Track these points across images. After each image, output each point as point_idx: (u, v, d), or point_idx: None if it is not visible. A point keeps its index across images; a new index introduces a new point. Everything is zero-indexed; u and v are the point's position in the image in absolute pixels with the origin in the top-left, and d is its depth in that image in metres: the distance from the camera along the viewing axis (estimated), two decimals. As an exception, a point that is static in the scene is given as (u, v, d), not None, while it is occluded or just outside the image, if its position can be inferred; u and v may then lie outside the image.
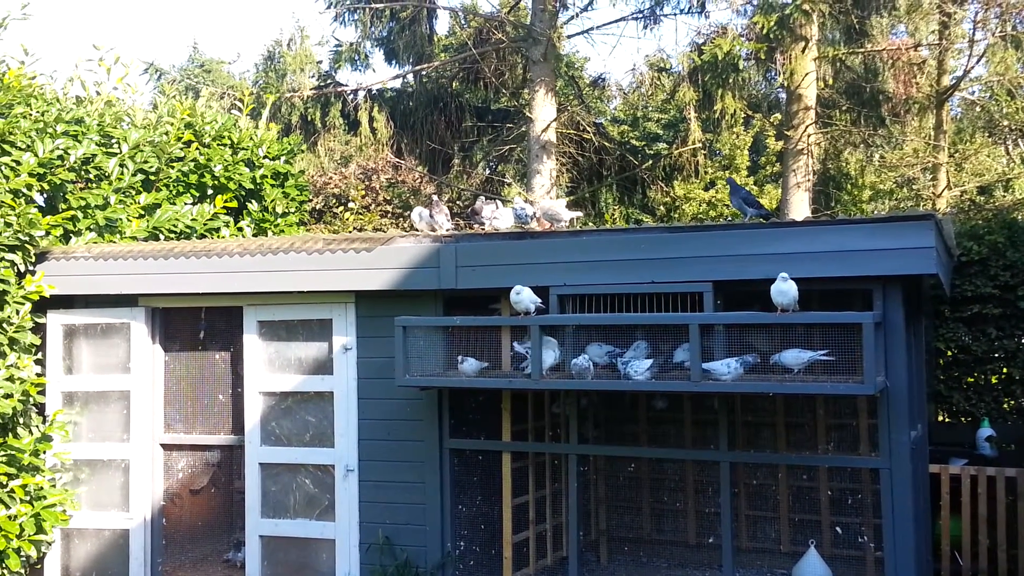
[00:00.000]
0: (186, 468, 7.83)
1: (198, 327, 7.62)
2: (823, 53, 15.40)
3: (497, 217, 6.96)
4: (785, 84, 15.27)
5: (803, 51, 14.56)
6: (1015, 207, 18.30)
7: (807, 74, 14.88)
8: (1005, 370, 8.58)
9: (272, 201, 9.61)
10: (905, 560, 5.47)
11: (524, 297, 5.93)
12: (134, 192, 8.67)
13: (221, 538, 8.10)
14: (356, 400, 6.81)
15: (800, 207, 15.23)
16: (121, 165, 8.61)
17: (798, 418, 7.39)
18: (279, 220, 9.64)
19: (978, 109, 20.77)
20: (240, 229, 9.33)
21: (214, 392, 7.60)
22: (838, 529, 7.28)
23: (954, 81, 17.22)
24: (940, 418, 8.98)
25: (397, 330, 6.14)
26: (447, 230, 6.94)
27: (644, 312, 5.96)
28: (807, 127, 15.21)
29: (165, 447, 7.58)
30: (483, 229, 6.98)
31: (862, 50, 15.93)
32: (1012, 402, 8.63)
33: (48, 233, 7.72)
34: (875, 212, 21.24)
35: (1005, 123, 19.69)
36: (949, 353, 8.72)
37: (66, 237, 8.01)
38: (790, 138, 15.36)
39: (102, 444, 7.48)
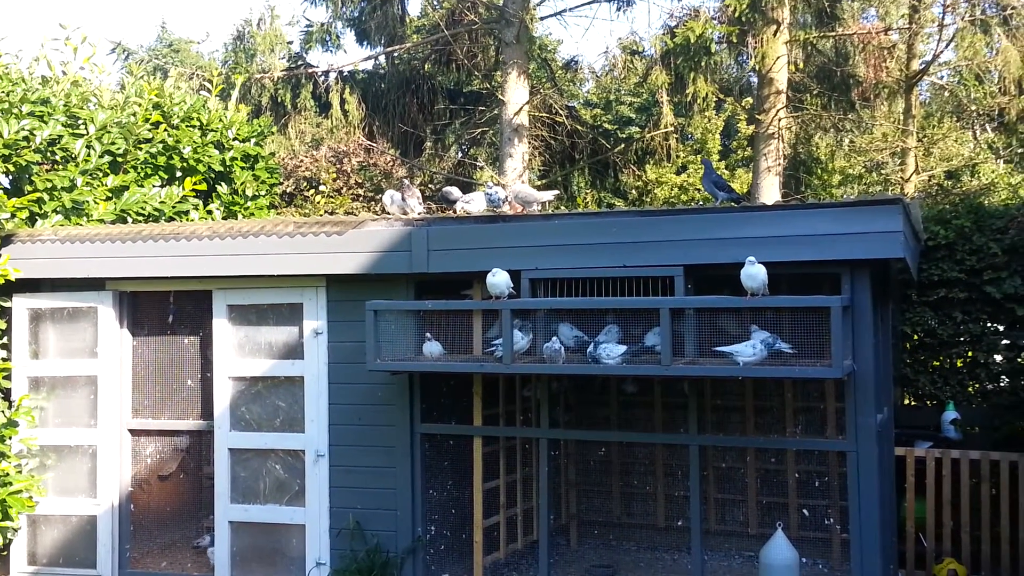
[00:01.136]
0: (154, 454, 7.78)
1: (167, 311, 7.56)
2: (794, 37, 15.46)
3: (469, 201, 6.94)
4: (757, 68, 15.32)
5: (775, 34, 14.61)
6: (982, 192, 18.51)
7: (778, 58, 14.93)
8: (970, 354, 8.70)
9: (242, 184, 9.53)
10: (871, 542, 5.55)
11: (500, 280, 5.93)
12: (101, 174, 8.56)
13: (190, 524, 8.07)
14: (327, 385, 6.79)
15: (771, 191, 15.32)
16: (88, 147, 8.49)
17: (766, 401, 7.46)
18: (249, 203, 9.56)
19: (947, 94, 20.98)
20: (209, 212, 9.24)
21: (183, 377, 7.55)
22: (805, 511, 7.37)
23: (923, 65, 17.36)
24: (906, 401, 9.11)
25: (368, 314, 6.12)
26: (419, 213, 6.91)
27: (616, 296, 5.97)
28: (778, 111, 15.28)
29: (133, 432, 7.52)
30: (455, 212, 6.96)
31: (833, 34, 16.01)
32: (976, 385, 8.76)
33: (13, 216, 7.61)
34: (844, 196, 21.41)
35: (973, 108, 19.89)
36: (916, 337, 8.82)
37: (32, 220, 7.90)
38: (761, 122, 15.42)
39: (69, 429, 7.41)
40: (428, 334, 6.21)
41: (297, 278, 6.80)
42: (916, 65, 17.29)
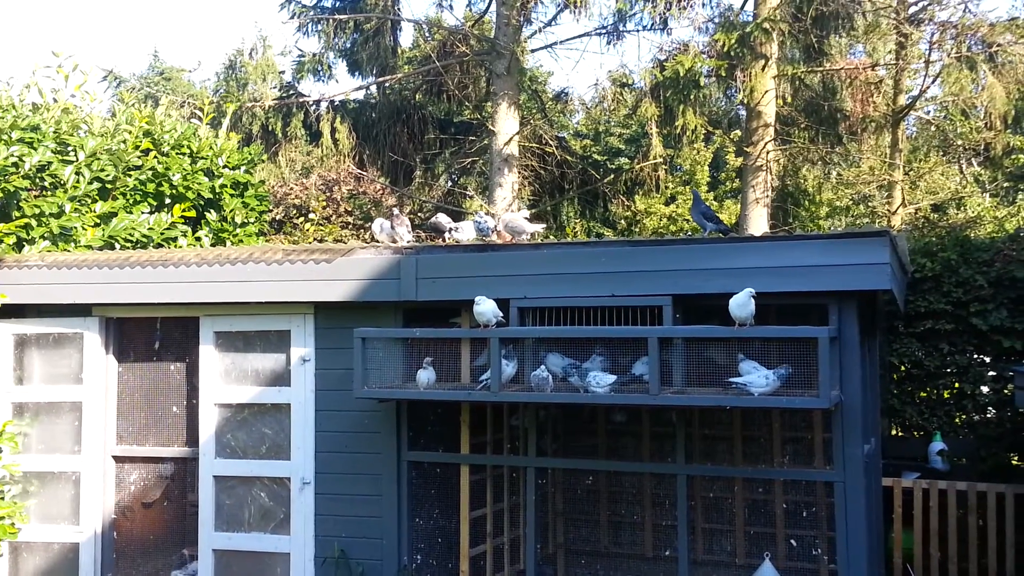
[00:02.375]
0: (138, 481, 7.72)
1: (153, 337, 7.53)
2: (782, 71, 15.62)
3: (458, 229, 6.96)
4: (745, 101, 15.45)
5: (763, 69, 14.76)
6: (968, 225, 18.66)
7: (767, 92, 15.08)
8: (957, 385, 8.72)
9: (231, 211, 9.53)
10: (858, 573, 5.52)
11: (487, 308, 5.93)
12: (90, 200, 8.56)
13: (173, 552, 7.98)
14: (313, 412, 6.76)
15: (759, 222, 15.40)
16: (77, 173, 8.49)
17: (754, 431, 7.45)
18: (238, 230, 9.56)
19: (933, 128, 21.20)
20: (198, 239, 9.23)
21: (168, 404, 7.50)
22: (793, 542, 7.34)
23: (910, 100, 17.55)
24: (893, 432, 9.12)
25: (356, 341, 6.10)
26: (408, 242, 6.92)
27: (604, 325, 5.98)
28: (766, 144, 15.40)
29: (117, 459, 7.46)
30: (444, 241, 6.97)
31: (821, 69, 16.19)
32: (963, 416, 8.78)
33: (1, 241, 7.58)
34: (832, 228, 21.54)
35: (959, 143, 20.10)
36: (903, 368, 8.85)
37: (19, 245, 7.88)
38: (749, 154, 15.54)
39: (52, 456, 7.34)
40: (426, 360, 6.19)
41: (285, 305, 6.79)
42: (903, 100, 17.49)
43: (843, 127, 16.76)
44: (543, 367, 5.80)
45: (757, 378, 5.32)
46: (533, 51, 17.54)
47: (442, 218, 7.21)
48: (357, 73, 18.38)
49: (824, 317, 5.67)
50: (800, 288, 5.55)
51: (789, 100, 16.13)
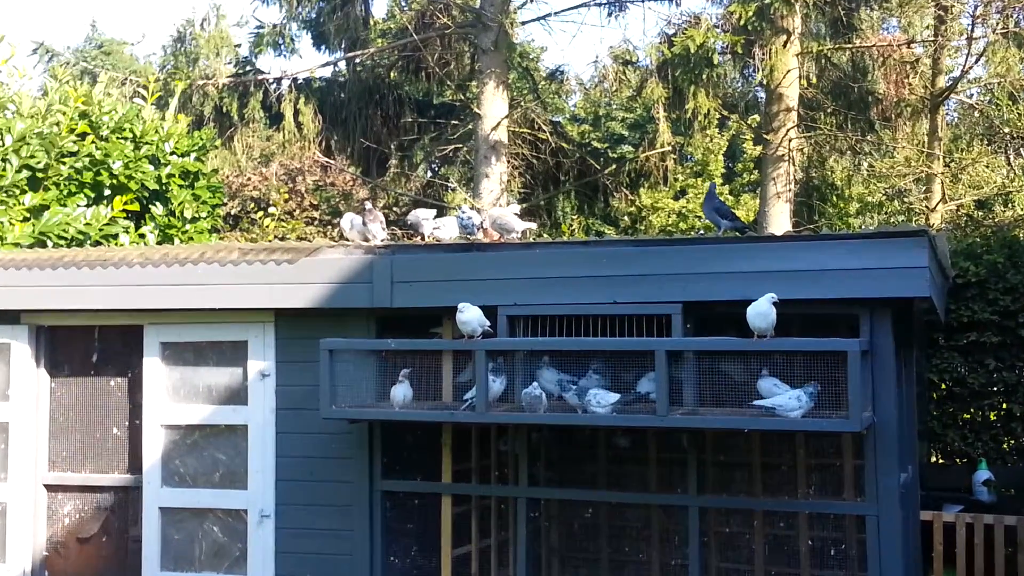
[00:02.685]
0: (73, 513, 7.67)
1: (91, 349, 7.49)
2: (807, 48, 15.70)
3: (439, 227, 6.96)
4: (764, 82, 15.53)
5: (784, 45, 14.83)
6: (1016, 224, 18.75)
7: (789, 71, 15.15)
8: (1005, 405, 8.76)
9: (180, 204, 9.51)
10: (893, 618, 5.54)
11: (471, 317, 5.92)
12: (18, 192, 8.52)
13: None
14: (274, 434, 6.74)
15: (780, 220, 15.46)
16: (3, 160, 8.45)
17: (775, 458, 7.46)
18: (188, 226, 9.54)
19: (976, 114, 21.30)
20: (142, 236, 9.21)
21: (108, 425, 7.46)
22: (820, 583, 7.36)
23: (950, 82, 17.65)
24: (933, 459, 9.15)
25: (322, 354, 6.09)
26: (382, 240, 6.92)
27: (605, 336, 5.99)
28: (788, 131, 15.47)
29: (49, 488, 7.42)
30: (423, 239, 6.97)
31: (850, 46, 16.27)
32: (1012, 441, 8.82)
33: (-85, 237, 7.55)
34: (863, 227, 21.64)
35: (1006, 130, 20.18)
36: (943, 386, 8.88)
37: (-64, 242, 7.84)
38: (770, 143, 15.61)
39: (-26, 484, 7.31)
40: (403, 373, 6.18)
41: (241, 312, 6.77)
42: (942, 82, 17.58)
43: (875, 112, 16.85)
44: (536, 384, 5.80)
45: (787, 400, 5.32)
46: (524, 23, 17.59)
47: (421, 213, 7.21)
48: (323, 47, 18.39)
49: (854, 328, 5.69)
50: (827, 295, 5.57)
51: (814, 81, 16.21)
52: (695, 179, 23.39)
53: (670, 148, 17.49)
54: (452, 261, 6.35)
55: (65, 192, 8.89)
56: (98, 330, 7.42)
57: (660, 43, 15.87)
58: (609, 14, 17.26)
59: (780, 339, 5.49)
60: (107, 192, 9.11)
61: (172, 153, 9.65)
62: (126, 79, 17.27)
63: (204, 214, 9.77)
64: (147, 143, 9.52)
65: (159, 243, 9.25)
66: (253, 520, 6.77)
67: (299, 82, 18.08)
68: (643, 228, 21.84)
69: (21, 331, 7.28)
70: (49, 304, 7.05)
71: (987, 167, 22.03)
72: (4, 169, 8.45)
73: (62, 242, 8.43)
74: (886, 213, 22.94)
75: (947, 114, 20.07)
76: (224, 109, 17.65)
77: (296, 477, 6.70)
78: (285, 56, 18.31)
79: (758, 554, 7.54)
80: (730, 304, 5.68)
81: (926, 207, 18.70)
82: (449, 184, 19.69)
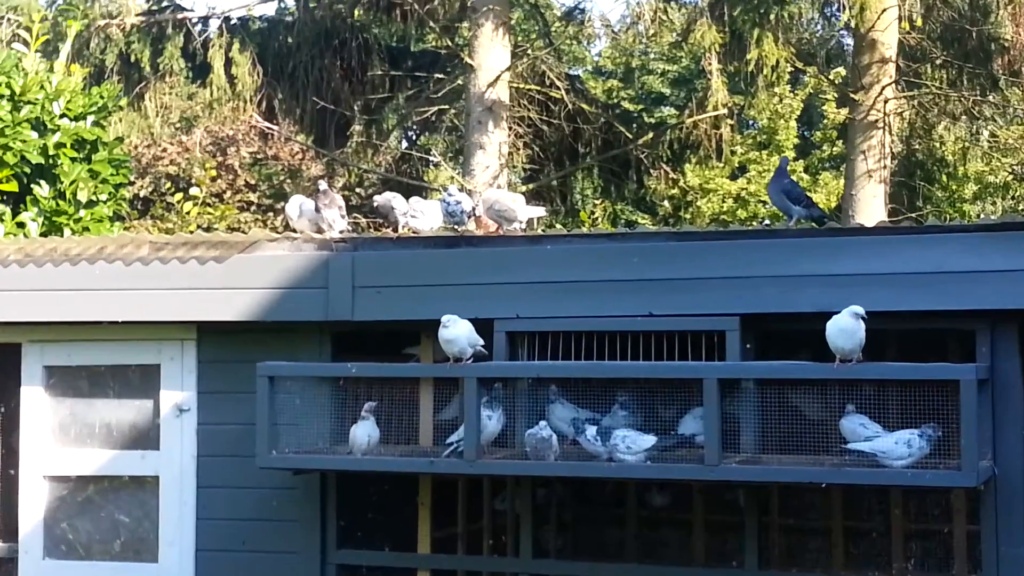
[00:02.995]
0: (-72, 592, 7.68)
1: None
2: (909, -21, 15.71)
3: (417, 214, 6.95)
4: (853, 24, 15.52)
5: (879, -25, 14.84)
6: None
7: (885, 10, 15.14)
8: None
9: (73, 183, 9.50)
10: None
11: (459, 333, 5.91)
12: None
13: None
14: (194, 489, 6.73)
15: (871, 206, 15.46)
16: None
17: (863, 522, 7.45)
18: (82, 212, 9.53)
19: None
20: (21, 225, 9.20)
21: (-27, 475, 7.48)
22: None
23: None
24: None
25: (260, 382, 6.08)
26: (341, 232, 6.91)
27: (636, 360, 5.98)
28: (884, 89, 15.46)
29: None
30: (395, 231, 6.97)
31: (966, -24, 16.28)
32: None
33: None
34: (982, 216, 21.62)
35: None
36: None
37: None
38: (859, 104, 15.61)
39: None
40: (366, 408, 6.17)
41: (153, 327, 6.77)
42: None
43: (999, 64, 16.82)
44: (544, 423, 5.78)
45: (893, 445, 5.30)
46: (532, -56, 17.62)
47: (393, 197, 7.20)
48: (265, -24, 18.42)
49: (969, 349, 5.68)
50: (934, 306, 5.56)
51: (919, 23, 16.20)
52: (759, 152, 23.39)
53: (726, 111, 17.47)
54: (434, 260, 6.35)
55: (-81, 166, 8.91)
56: (-38, 350, 7.43)
57: (713, -30, 15.88)
58: (646, -69, 17.27)
59: (870, 364, 5.48)
60: (-25, 166, 9.11)
61: (62, 116, 9.64)
62: (3, 18, 17.29)
63: (104, 196, 9.75)
64: (29, 103, 9.51)
65: (43, 234, 9.24)
66: (167, 604, 6.78)
67: (232, 22, 18.10)
68: (689, 217, 21.83)
69: None
70: None
71: None
72: None
73: (-85, 233, 8.43)
74: (1014, 198, 22.91)
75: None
76: (132, 58, 17.65)
77: (223, 546, 6.69)
78: (214, -12, 18.34)
79: (841, 650, 7.52)
80: (804, 318, 5.68)
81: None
82: (431, 158, 19.69)
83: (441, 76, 18.30)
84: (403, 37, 19.76)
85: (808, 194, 7.10)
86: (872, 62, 15.51)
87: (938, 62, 16.95)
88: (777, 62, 15.47)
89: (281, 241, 6.67)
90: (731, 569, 7.28)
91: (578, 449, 5.87)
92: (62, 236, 9.09)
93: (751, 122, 24.53)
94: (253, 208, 19.51)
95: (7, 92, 9.49)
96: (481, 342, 6.02)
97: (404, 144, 21.41)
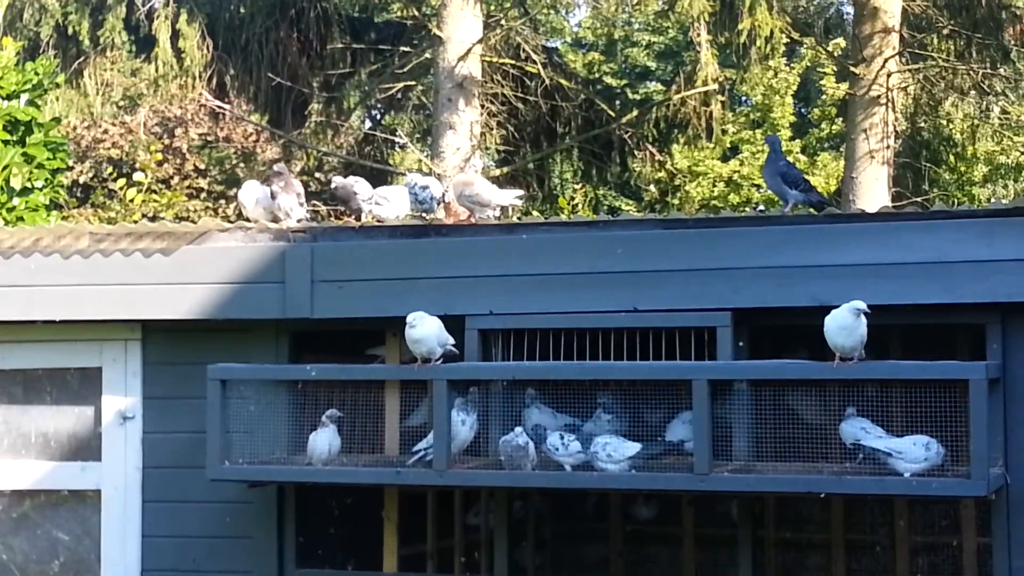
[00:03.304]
0: None
1: None
2: (914, -58, 15.76)
3: (381, 202, 6.94)
4: (853, -9, 15.56)
5: (882, -63, 14.88)
6: None
7: (888, -24, 15.19)
8: None
9: (5, 168, 9.47)
10: None
11: (427, 332, 5.90)
12: None
13: None
14: (140, 504, 6.71)
15: (874, 190, 15.51)
16: None
17: (865, 534, 7.48)
18: (15, 200, 9.50)
19: None
20: (-51, 214, 9.17)
21: None
22: None
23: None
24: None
25: (211, 386, 6.07)
26: (299, 220, 6.90)
27: (619, 360, 5.99)
28: (887, 61, 15.50)
29: None
30: (358, 219, 6.96)
31: (976, -63, 16.34)
32: None
33: None
34: (993, 200, 21.71)
35: None
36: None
37: None
38: (860, 79, 15.65)
39: None
40: (327, 416, 6.16)
41: (93, 326, 6.73)
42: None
43: (1010, 34, 16.89)
44: (520, 429, 5.79)
45: (911, 447, 5.29)
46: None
47: (355, 182, 7.19)
48: (214, -61, 18.34)
49: (978, 345, 5.70)
50: (941, 299, 5.57)
51: (924, -10, 16.26)
52: (752, 131, 23.45)
53: (716, 87, 17.49)
54: (400, 251, 6.34)
55: None
56: None
57: (701, -67, 15.89)
58: None
59: (872, 363, 5.50)
60: None
61: (-7, 94, 9.61)
62: (-76, -14, 17.20)
63: (40, 183, 9.72)
64: (-44, 80, 9.48)
65: (-27, 225, 9.22)
66: (110, 628, 6.77)
67: (179, -9, 18.03)
68: (677, 203, 21.87)
69: None
70: None
71: None
72: None
73: None
74: (1026, 180, 23.05)
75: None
76: (70, 30, 17.57)
77: (171, 566, 6.67)
78: (159, -47, 18.24)
79: (842, 673, 7.55)
80: (801, 313, 5.69)
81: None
82: (397, 139, 19.68)
83: (407, 49, 18.28)
84: (366, 6, 19.75)
85: (806, 177, 7.09)
86: (874, 32, 15.55)
87: (945, 32, 17.01)
88: (771, 32, 15.51)
89: (233, 231, 6.65)
90: (724, 585, 7.30)
91: (545, 459, 5.87)
92: (-7, 227, 9.05)
93: (744, 98, 24.62)
94: (203, 195, 19.48)
95: (-69, 69, 9.47)
96: (452, 341, 6.01)
97: (367, 124, 21.40)
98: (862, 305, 5.37)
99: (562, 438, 5.70)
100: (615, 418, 5.92)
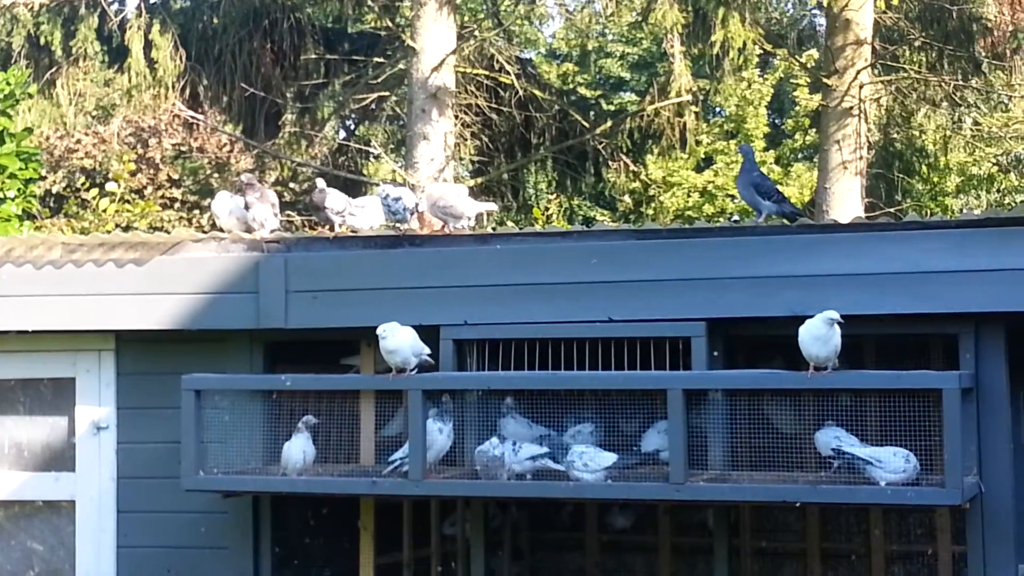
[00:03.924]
0: None
1: None
2: (885, -47, 15.82)
3: (355, 212, 6.94)
4: (825, 3, 15.61)
5: (853, -51, 14.94)
6: None
7: (860, -13, 15.24)
8: None
9: (-23, 179, 9.44)
10: None
11: (401, 343, 5.90)
12: None
13: None
14: (114, 515, 6.70)
15: (847, 201, 15.54)
16: None
17: (840, 543, 7.50)
18: (-12, 211, 9.48)
19: None
20: (-80, 225, 9.13)
21: None
22: None
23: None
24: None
25: (185, 396, 6.06)
26: (272, 231, 6.89)
27: (595, 370, 5.99)
28: (859, 73, 15.55)
29: None
30: (332, 229, 6.96)
31: (947, -51, 16.40)
32: None
33: None
34: (965, 210, 21.79)
35: None
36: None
37: None
38: (832, 90, 15.69)
39: None
40: (302, 423, 6.14)
41: (66, 337, 6.72)
42: (1078, 3, 17.73)
43: (982, 46, 16.94)
44: (496, 438, 5.79)
45: (892, 456, 5.31)
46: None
47: (328, 193, 7.19)
48: (188, -50, 18.31)
49: (952, 355, 5.73)
50: (913, 309, 5.60)
51: (895, 2, 16.30)
52: (726, 142, 23.49)
53: (690, 97, 17.52)
54: (374, 261, 6.35)
55: None
56: None
57: (675, -55, 15.92)
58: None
59: (846, 372, 5.52)
60: None
61: (-35, 104, 9.58)
62: None
63: (12, 193, 9.69)
64: (-72, 90, 9.45)
65: (-54, 235, 9.19)
66: (84, 640, 6.74)
67: (152, 2, 17.99)
68: (651, 213, 21.90)
69: None
70: None
71: None
72: None
73: None
74: (1000, 191, 23.08)
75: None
76: (42, 40, 17.49)
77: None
78: (132, -37, 18.21)
79: None
80: (775, 323, 5.71)
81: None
82: (371, 150, 19.63)
83: (381, 60, 18.25)
84: (339, 17, 19.69)
85: (779, 188, 7.12)
86: (846, 44, 15.59)
87: (917, 44, 17.05)
88: (744, 44, 15.53)
89: (207, 241, 6.64)
90: (699, 595, 7.31)
91: (533, 466, 5.86)
92: (-34, 237, 9.02)
93: (717, 109, 24.65)
94: (176, 205, 19.40)
95: (-97, 79, 9.43)
96: (427, 351, 6.02)
97: (341, 135, 21.35)
98: (835, 315, 5.40)
99: (514, 444, 5.71)
100: (591, 427, 5.93)
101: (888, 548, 7.40)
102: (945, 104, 18.83)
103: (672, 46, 16.76)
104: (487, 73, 17.81)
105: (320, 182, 7.20)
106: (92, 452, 6.74)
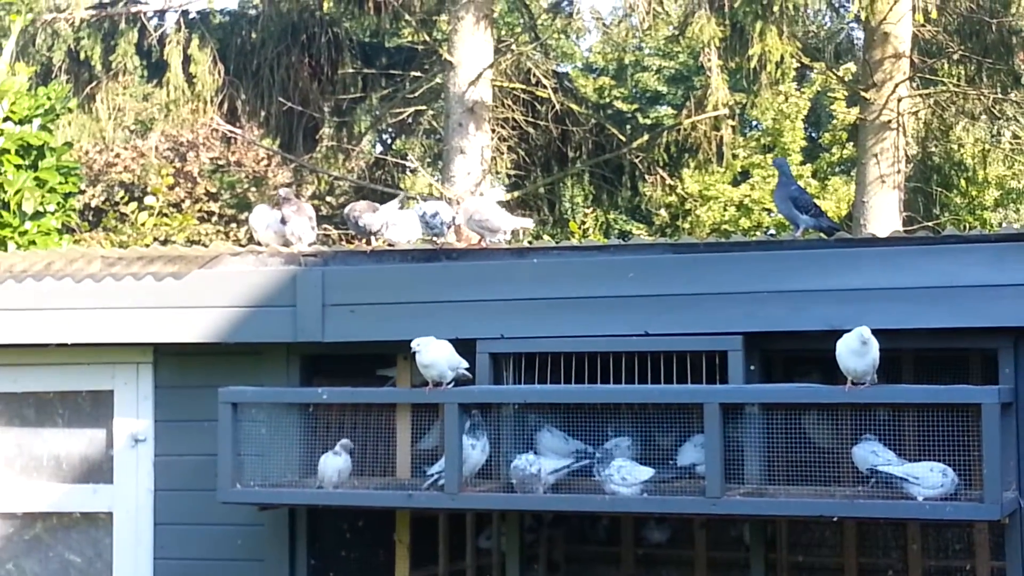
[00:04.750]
0: None
1: None
2: (924, -33, 15.76)
3: (391, 225, 6.95)
4: (863, 16, 15.56)
5: (892, -37, 14.89)
6: None
7: (897, 0, 15.18)
8: None
9: (17, 193, 9.48)
10: None
11: (438, 357, 5.90)
12: None
13: None
14: (151, 527, 6.71)
15: (885, 214, 15.48)
16: None
17: (878, 557, 7.45)
18: (28, 224, 9.51)
19: None
20: (-39, 238, 9.19)
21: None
22: None
23: None
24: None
25: (222, 409, 6.07)
26: (310, 245, 6.91)
27: (631, 384, 5.98)
28: (897, 87, 15.49)
29: None
30: (369, 243, 6.97)
31: (986, -36, 16.33)
32: None
33: None
34: (1005, 224, 21.67)
35: None
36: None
37: None
38: (870, 104, 15.64)
39: None
40: (340, 445, 6.14)
41: (105, 349, 6.74)
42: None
43: (1021, 59, 16.84)
44: (532, 452, 5.79)
45: (930, 472, 5.28)
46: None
47: (365, 208, 7.20)
48: (227, -33, 18.41)
49: (991, 370, 5.69)
50: (951, 323, 5.56)
51: (934, 15, 16.25)
52: (763, 156, 23.43)
53: (727, 111, 17.49)
54: (411, 275, 6.35)
55: None
56: None
57: (712, -41, 15.91)
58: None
59: (884, 387, 5.49)
60: (-90, 175, 9.10)
61: (6, 119, 9.62)
62: (-62, 11, 17.26)
63: (52, 207, 9.73)
64: (-31, 105, 9.51)
65: (-14, 249, 9.24)
66: (121, 651, 6.76)
67: (191, 16, 18.05)
68: (688, 227, 21.85)
69: None
70: None
71: None
72: None
73: None
74: (1039, 205, 23.01)
75: None
76: (82, 55, 17.60)
77: (184, 589, 6.67)
78: (171, -22, 18.31)
79: None
80: (812, 337, 5.69)
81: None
82: (408, 164, 19.69)
83: (418, 74, 18.30)
84: (377, 32, 19.75)
85: (816, 202, 7.09)
86: (884, 57, 15.55)
87: (955, 57, 16.98)
88: (782, 57, 15.48)
89: (245, 255, 6.66)
90: (736, 610, 7.28)
91: (569, 481, 5.86)
92: (6, 250, 9.07)
93: (754, 123, 24.61)
94: (214, 219, 19.51)
95: (-55, 94, 9.50)
96: (464, 365, 6.01)
97: (378, 148, 21.40)
98: (866, 333, 5.36)
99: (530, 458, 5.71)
100: (628, 441, 5.91)
101: (926, 563, 7.36)
102: (984, 117, 18.77)
103: (709, 60, 16.73)
104: (524, 87, 17.84)
105: (361, 206, 7.19)
106: (130, 464, 6.76)
